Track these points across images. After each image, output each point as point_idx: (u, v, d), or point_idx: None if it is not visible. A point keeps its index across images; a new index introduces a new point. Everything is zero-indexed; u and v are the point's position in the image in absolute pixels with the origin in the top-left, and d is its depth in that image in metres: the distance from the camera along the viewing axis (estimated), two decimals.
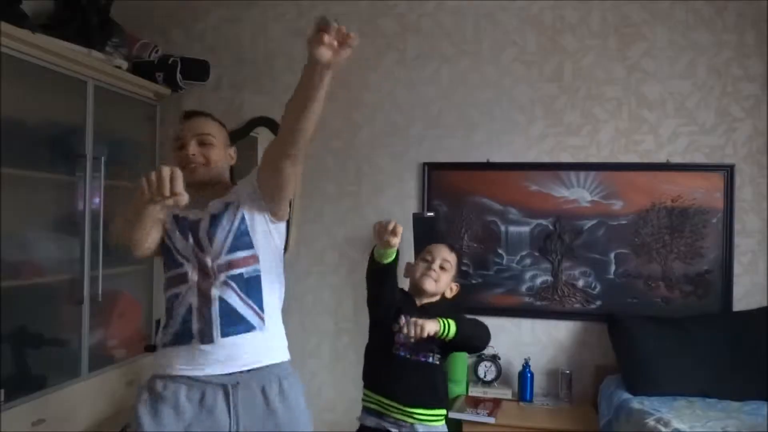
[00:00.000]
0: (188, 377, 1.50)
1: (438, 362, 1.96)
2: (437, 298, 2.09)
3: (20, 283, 2.23)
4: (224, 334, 1.50)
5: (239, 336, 1.51)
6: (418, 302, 2.06)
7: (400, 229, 1.77)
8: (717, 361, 2.38)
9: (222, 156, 1.66)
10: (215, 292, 1.51)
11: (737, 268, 2.65)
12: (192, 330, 1.50)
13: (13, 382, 2.14)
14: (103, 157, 2.53)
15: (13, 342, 2.18)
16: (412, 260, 2.20)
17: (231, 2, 3.14)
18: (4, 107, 2.09)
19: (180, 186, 1.28)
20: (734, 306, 2.64)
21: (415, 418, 1.92)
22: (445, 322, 1.82)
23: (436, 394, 1.97)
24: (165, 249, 1.58)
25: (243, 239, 1.55)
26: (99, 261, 2.53)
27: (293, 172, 1.47)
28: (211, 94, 3.11)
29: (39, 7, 2.60)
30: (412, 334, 1.76)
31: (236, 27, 3.13)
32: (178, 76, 2.97)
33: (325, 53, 1.17)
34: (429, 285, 2.02)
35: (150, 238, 1.53)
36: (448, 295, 2.12)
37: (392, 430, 1.93)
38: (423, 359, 1.95)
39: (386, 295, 1.95)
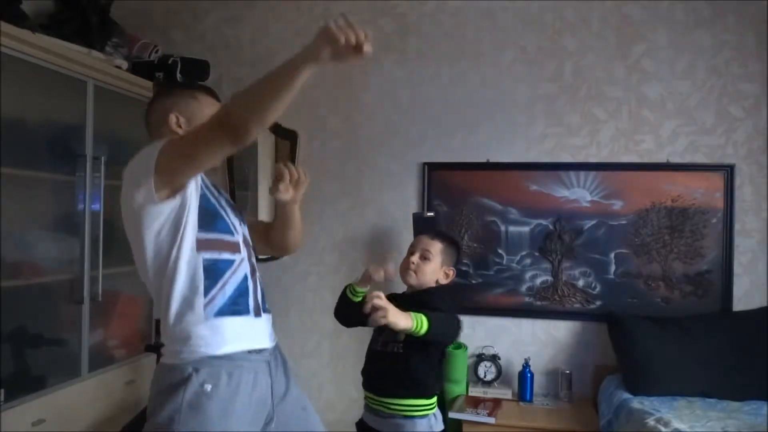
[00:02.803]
0: (246, 352, 1.45)
1: (402, 351, 1.95)
2: (431, 285, 2.10)
3: (20, 283, 2.23)
4: (265, 310, 1.56)
5: (269, 314, 1.59)
6: (407, 293, 2.11)
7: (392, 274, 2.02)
8: (717, 361, 2.38)
9: None
10: (256, 271, 1.57)
11: (737, 268, 2.65)
12: (249, 302, 1.50)
13: (13, 382, 2.14)
14: (103, 157, 2.53)
15: (13, 342, 2.18)
16: None
17: (231, 2, 3.14)
18: (4, 107, 2.09)
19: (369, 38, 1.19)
20: (734, 306, 2.64)
21: (390, 408, 1.94)
22: (419, 319, 1.71)
23: (404, 384, 1.94)
24: (208, 207, 1.48)
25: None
26: (99, 261, 2.53)
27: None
28: None
29: (39, 7, 2.60)
30: (373, 317, 1.63)
31: (236, 27, 3.13)
32: (178, 76, 2.97)
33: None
34: (409, 278, 2.08)
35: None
36: (443, 281, 2.12)
37: (378, 426, 1.97)
38: (389, 350, 1.97)
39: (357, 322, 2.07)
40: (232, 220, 1.54)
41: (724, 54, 2.68)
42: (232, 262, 1.48)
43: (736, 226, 2.65)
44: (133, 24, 3.03)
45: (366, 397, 2.05)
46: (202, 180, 1.50)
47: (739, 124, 2.67)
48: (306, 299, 3.00)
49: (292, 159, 3.01)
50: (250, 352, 1.46)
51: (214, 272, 1.44)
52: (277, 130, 3.01)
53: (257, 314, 1.52)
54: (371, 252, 2.96)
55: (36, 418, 2.18)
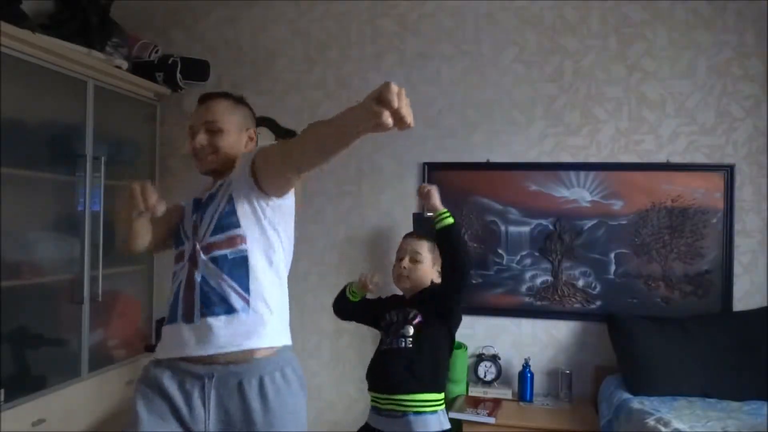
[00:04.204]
0: (172, 359, 1.50)
1: (411, 345, 1.97)
2: (426, 286, 2.11)
3: (20, 283, 2.23)
4: (202, 314, 1.47)
5: (217, 317, 1.47)
6: (406, 296, 2.10)
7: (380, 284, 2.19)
8: (717, 361, 2.38)
9: (233, 141, 1.62)
10: (197, 273, 1.50)
11: (737, 268, 2.65)
12: (178, 309, 1.52)
13: (13, 382, 2.14)
14: (103, 157, 2.53)
15: (13, 342, 2.18)
16: None
17: (231, 2, 3.14)
18: (4, 107, 2.09)
19: (152, 198, 1.37)
20: (734, 306, 2.63)
21: (403, 406, 1.93)
22: (447, 213, 2.05)
23: (415, 377, 1.95)
24: (178, 223, 1.65)
25: (229, 219, 1.51)
26: (99, 261, 2.53)
27: (297, 180, 1.50)
28: None
29: (39, 7, 2.60)
30: (425, 192, 2.09)
31: (236, 27, 3.13)
32: (178, 76, 2.97)
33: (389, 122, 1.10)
34: (403, 284, 2.08)
35: (142, 240, 1.60)
36: (437, 280, 2.13)
37: (387, 428, 1.96)
38: (397, 345, 1.97)
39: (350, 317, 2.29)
40: (186, 229, 1.60)
41: (724, 54, 2.68)
42: (176, 272, 1.59)
43: (736, 226, 2.65)
44: (133, 24, 3.03)
45: (375, 399, 2.02)
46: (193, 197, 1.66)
47: (739, 124, 2.67)
48: (306, 299, 3.01)
49: None
50: (176, 359, 1.50)
51: (171, 283, 1.60)
52: (277, 130, 3.01)
53: (188, 320, 1.49)
54: (371, 252, 2.96)
55: (36, 418, 2.18)
